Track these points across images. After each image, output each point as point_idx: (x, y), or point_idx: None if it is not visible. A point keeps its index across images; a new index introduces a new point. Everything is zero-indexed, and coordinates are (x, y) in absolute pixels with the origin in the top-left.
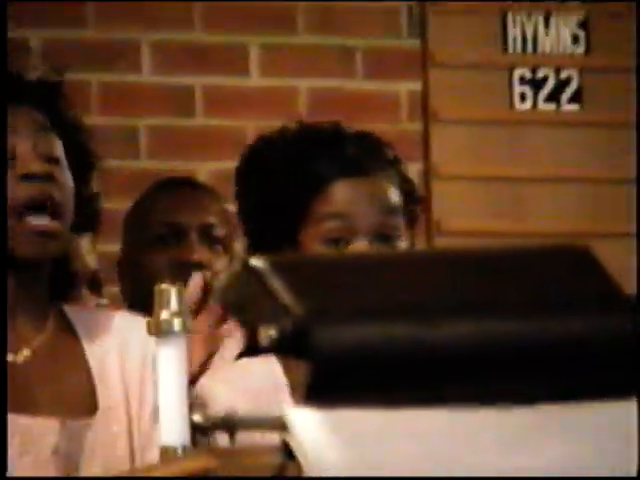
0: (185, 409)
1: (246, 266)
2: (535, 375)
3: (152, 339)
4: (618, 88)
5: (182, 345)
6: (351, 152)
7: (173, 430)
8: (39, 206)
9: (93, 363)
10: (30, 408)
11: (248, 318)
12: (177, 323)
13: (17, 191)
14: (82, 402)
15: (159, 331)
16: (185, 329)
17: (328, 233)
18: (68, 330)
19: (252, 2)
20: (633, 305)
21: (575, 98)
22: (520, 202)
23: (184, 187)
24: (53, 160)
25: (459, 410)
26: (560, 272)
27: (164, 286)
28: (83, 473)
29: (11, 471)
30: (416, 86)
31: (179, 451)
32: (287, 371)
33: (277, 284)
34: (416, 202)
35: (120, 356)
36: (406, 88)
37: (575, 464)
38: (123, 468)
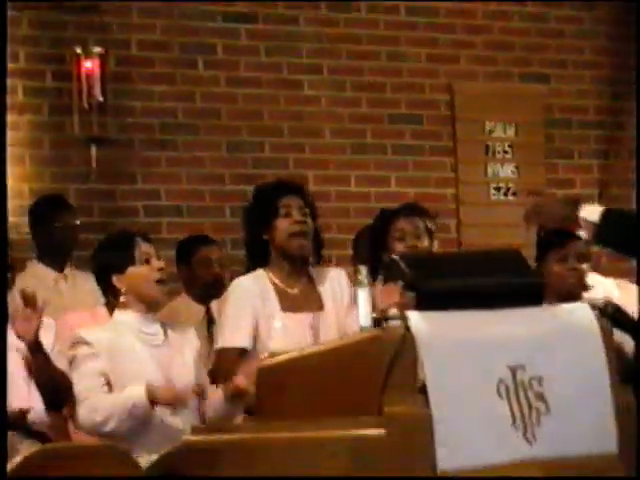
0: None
1: (391, 259)
2: (507, 298)
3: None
4: None
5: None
6: (406, 210)
7: (366, 320)
8: (300, 233)
9: (321, 290)
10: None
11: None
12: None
13: (293, 228)
14: (318, 306)
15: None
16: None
17: (397, 238)
18: (309, 277)
19: None
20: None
21: None
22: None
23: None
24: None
25: (486, 311)
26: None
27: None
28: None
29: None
30: None
31: (368, 329)
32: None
33: (403, 264)
34: (432, 231)
35: (332, 288)
36: None
37: (536, 329)
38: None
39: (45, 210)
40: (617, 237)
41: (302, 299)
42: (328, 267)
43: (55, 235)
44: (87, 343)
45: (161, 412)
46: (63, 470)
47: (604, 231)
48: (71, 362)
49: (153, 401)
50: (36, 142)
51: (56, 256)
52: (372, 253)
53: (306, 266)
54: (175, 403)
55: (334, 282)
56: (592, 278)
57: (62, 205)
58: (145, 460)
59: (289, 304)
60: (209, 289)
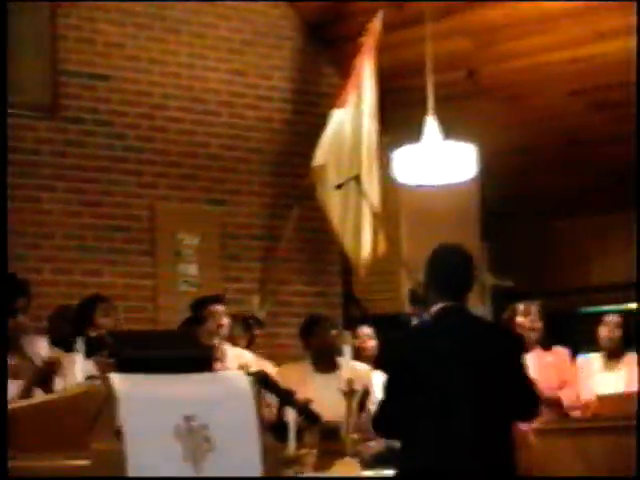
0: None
1: (99, 335)
2: (184, 365)
3: None
4: None
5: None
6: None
7: (81, 378)
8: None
9: None
10: None
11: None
12: (81, 347)
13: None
14: None
15: (76, 351)
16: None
17: (103, 315)
18: None
19: None
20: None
21: None
22: None
23: None
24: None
25: (168, 374)
26: (185, 336)
27: None
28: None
29: None
30: None
31: (81, 385)
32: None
33: (108, 338)
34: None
35: None
36: None
37: (205, 389)
38: None
39: None
40: None
41: None
42: None
43: None
44: None
45: None
46: None
47: None
48: None
49: None
50: None
51: None
52: (78, 327)
53: None
54: None
55: None
56: (233, 351)
57: None
58: None
59: None
60: None
